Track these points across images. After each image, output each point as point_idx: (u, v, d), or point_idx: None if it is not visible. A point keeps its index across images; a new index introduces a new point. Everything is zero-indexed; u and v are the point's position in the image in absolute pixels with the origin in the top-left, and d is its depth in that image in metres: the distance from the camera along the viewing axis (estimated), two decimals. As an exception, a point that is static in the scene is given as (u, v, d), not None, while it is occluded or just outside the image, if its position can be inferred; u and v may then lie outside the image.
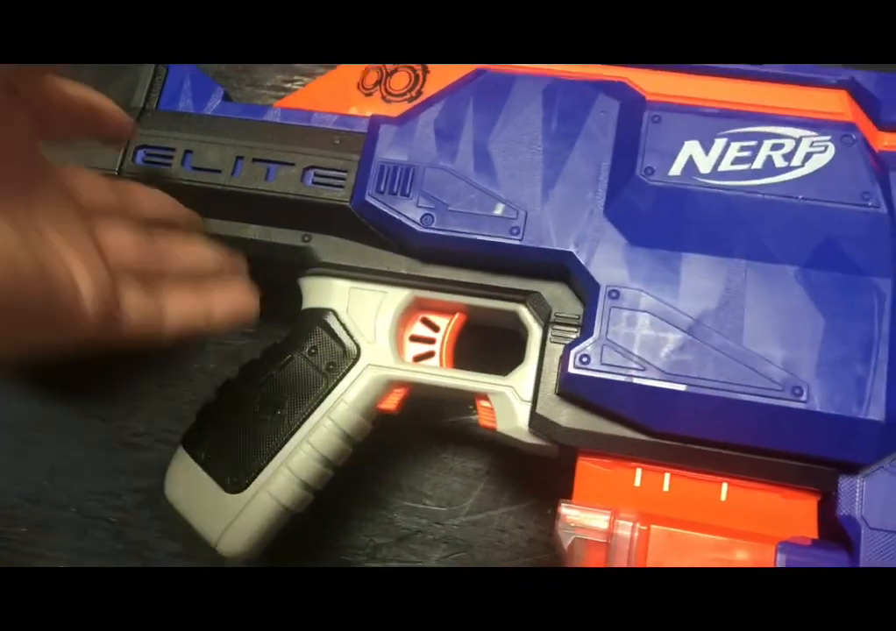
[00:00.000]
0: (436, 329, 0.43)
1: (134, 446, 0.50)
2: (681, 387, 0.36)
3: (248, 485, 0.40)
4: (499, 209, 0.39)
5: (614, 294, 0.37)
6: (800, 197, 0.38)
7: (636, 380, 0.36)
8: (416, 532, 0.48)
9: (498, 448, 0.47)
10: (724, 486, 0.37)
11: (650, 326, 0.36)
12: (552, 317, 0.39)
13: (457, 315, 0.43)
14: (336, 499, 0.48)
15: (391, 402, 0.42)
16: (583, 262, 0.38)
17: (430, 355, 0.43)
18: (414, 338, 0.43)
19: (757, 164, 0.39)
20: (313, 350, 0.41)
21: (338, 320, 0.41)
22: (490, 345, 0.43)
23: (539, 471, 0.44)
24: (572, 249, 0.38)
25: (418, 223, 0.39)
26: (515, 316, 0.41)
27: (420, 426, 0.49)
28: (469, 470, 0.49)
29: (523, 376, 0.40)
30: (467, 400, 0.42)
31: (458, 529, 0.48)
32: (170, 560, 0.49)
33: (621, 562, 0.35)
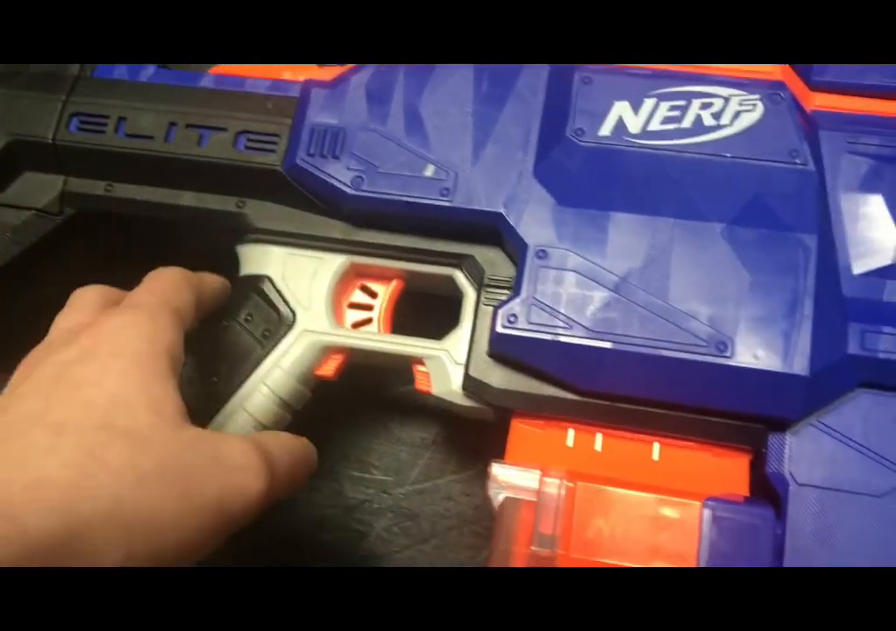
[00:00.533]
0: (374, 295, 0.43)
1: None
2: (606, 345, 0.36)
3: (182, 451, 0.39)
4: (429, 171, 0.39)
5: (541, 254, 0.37)
6: (729, 155, 0.38)
7: (562, 338, 0.36)
8: (363, 502, 0.48)
9: (445, 417, 0.47)
10: (656, 446, 0.37)
11: (577, 285, 0.36)
12: (486, 280, 0.39)
13: (394, 282, 0.43)
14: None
15: (328, 368, 0.41)
16: (512, 223, 0.38)
17: (368, 322, 0.43)
18: (352, 305, 0.43)
19: (686, 123, 0.39)
20: (248, 317, 0.41)
21: (274, 286, 0.41)
22: (430, 312, 0.43)
23: (486, 439, 0.44)
24: (501, 209, 0.38)
25: (348, 186, 0.39)
26: (451, 281, 0.41)
27: (367, 396, 0.49)
28: (416, 439, 0.49)
29: (458, 340, 0.40)
30: (405, 366, 0.41)
31: (404, 499, 0.48)
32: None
33: (547, 519, 0.35)
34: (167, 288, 0.34)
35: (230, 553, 0.46)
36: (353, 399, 0.48)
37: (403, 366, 0.42)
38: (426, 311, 0.43)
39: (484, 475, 0.47)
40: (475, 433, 0.44)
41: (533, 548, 0.34)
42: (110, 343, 0.29)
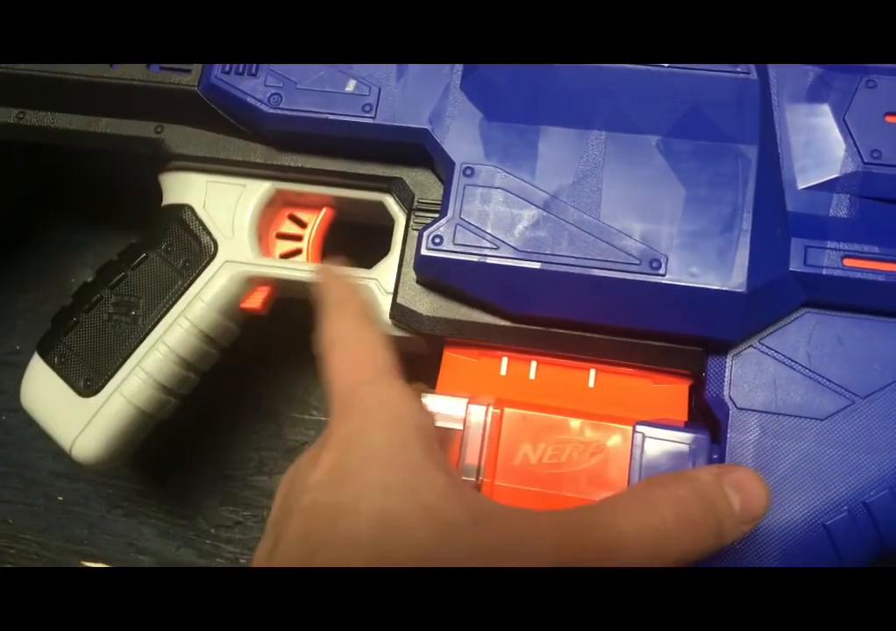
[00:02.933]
0: (303, 225, 0.41)
1: (12, 365, 0.49)
2: (535, 265, 0.34)
3: (101, 388, 0.38)
4: (350, 86, 0.37)
5: (468, 172, 0.35)
6: (666, 65, 0.36)
7: (489, 260, 0.34)
8: (303, 443, 0.46)
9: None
10: (592, 373, 0.36)
11: (505, 203, 0.34)
12: (415, 203, 0.38)
13: (324, 210, 0.41)
14: (220, 411, 0.46)
15: (255, 301, 0.40)
16: (437, 139, 0.36)
17: (297, 252, 0.41)
18: (281, 236, 0.41)
19: (624, 32, 0.36)
20: (169, 248, 0.39)
21: (195, 216, 0.39)
22: (366, 243, 0.41)
23: (426, 371, 0.42)
24: (426, 125, 0.36)
25: (266, 104, 0.37)
26: (381, 206, 0.39)
27: (303, 334, 0.47)
28: (356, 378, 0.47)
29: (388, 268, 0.38)
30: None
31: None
32: (53, 479, 0.47)
33: (474, 446, 0.33)
34: (369, 347, 0.28)
35: (164, 491, 0.44)
36: (291, 338, 0.46)
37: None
38: (363, 243, 0.41)
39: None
40: (418, 367, 0.42)
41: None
42: (354, 452, 0.24)
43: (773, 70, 0.37)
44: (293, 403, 0.47)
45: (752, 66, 0.35)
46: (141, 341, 0.38)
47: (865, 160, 0.35)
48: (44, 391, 0.39)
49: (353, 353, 0.29)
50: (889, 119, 0.36)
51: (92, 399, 0.38)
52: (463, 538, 0.22)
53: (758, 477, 0.27)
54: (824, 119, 0.36)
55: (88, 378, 0.38)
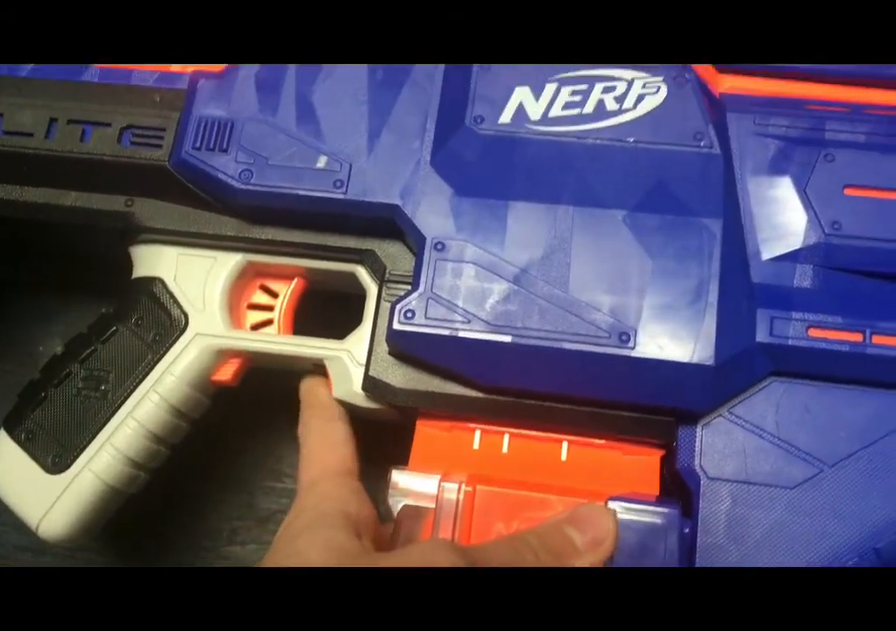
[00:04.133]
0: (275, 295, 0.42)
1: (-24, 436, 0.48)
2: (506, 339, 0.34)
3: (70, 465, 0.38)
4: (321, 162, 0.38)
5: (439, 246, 0.36)
6: (632, 140, 0.37)
7: (461, 333, 0.35)
8: (276, 512, 0.46)
9: (355, 420, 0.46)
10: (564, 445, 0.36)
11: (476, 277, 0.35)
12: (387, 275, 0.38)
13: (295, 280, 0.42)
14: (190, 481, 0.46)
15: (226, 373, 0.40)
16: (409, 214, 0.37)
17: (269, 323, 0.41)
18: (252, 306, 0.42)
19: (588, 108, 0.38)
20: (139, 321, 0.40)
21: (166, 289, 0.40)
22: (338, 312, 0.42)
23: (399, 440, 0.43)
24: (397, 201, 0.37)
25: (237, 179, 0.37)
26: (353, 277, 0.40)
27: (276, 402, 0.47)
28: (329, 445, 0.47)
29: (360, 339, 0.38)
30: (308, 368, 0.40)
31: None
32: (17, 553, 0.47)
33: (447, 525, 0.34)
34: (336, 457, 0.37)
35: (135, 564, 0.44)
36: (262, 405, 0.47)
37: (306, 369, 0.40)
38: (335, 311, 0.42)
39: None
40: (386, 434, 0.42)
41: (432, 555, 0.33)
42: (295, 524, 0.32)
43: (735, 143, 0.38)
44: (264, 472, 0.47)
45: (715, 140, 0.37)
46: (111, 416, 0.38)
47: (826, 232, 0.37)
48: (10, 468, 0.38)
49: (312, 453, 0.37)
50: (848, 192, 0.37)
51: (60, 476, 0.38)
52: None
53: (602, 508, 0.33)
54: (786, 191, 0.37)
55: (56, 454, 0.38)
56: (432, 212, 0.36)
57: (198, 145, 0.38)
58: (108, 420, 0.38)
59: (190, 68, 0.40)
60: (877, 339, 0.35)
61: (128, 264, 0.42)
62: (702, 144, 0.37)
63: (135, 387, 0.39)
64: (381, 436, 0.42)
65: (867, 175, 0.37)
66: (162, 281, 0.40)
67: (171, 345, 0.39)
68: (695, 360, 0.34)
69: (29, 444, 0.38)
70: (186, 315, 0.39)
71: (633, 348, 0.34)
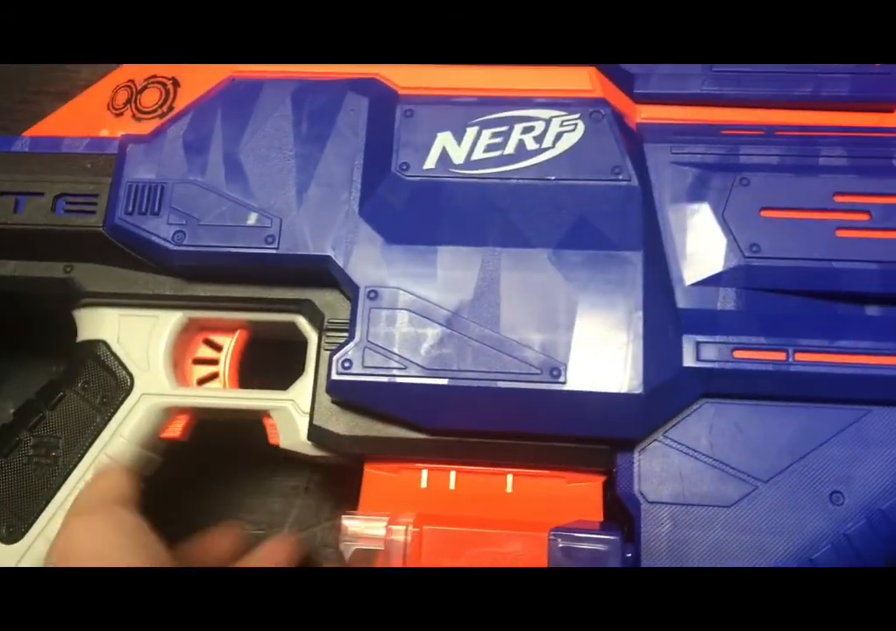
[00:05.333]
0: (218, 348, 0.43)
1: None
2: (443, 381, 0.36)
3: (24, 533, 0.39)
4: (252, 219, 0.39)
5: (372, 295, 0.38)
6: (553, 178, 0.39)
7: (398, 379, 0.37)
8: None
9: (313, 463, 0.48)
10: (509, 478, 0.38)
11: (410, 323, 0.37)
12: (326, 324, 0.40)
13: (238, 332, 0.43)
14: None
15: (174, 430, 0.42)
16: (341, 265, 0.38)
17: (215, 376, 0.43)
18: (197, 361, 0.43)
19: (509, 149, 0.40)
20: (85, 385, 0.41)
21: (110, 350, 0.41)
22: (283, 358, 0.43)
23: (357, 480, 0.44)
24: (329, 252, 0.39)
25: (170, 241, 0.39)
26: (293, 327, 0.42)
27: (226, 449, 0.49)
28: (286, 488, 0.49)
29: (304, 388, 0.40)
30: (256, 418, 0.42)
31: (281, 551, 0.48)
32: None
33: (396, 564, 0.35)
34: None
35: None
36: (217, 452, 0.48)
37: (253, 419, 0.42)
38: (281, 356, 0.44)
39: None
40: (346, 476, 0.44)
41: (384, 598, 0.35)
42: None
43: (654, 173, 0.40)
44: (222, 519, 0.48)
45: (633, 173, 0.39)
46: (63, 482, 0.40)
47: (746, 255, 0.39)
48: (-35, 540, 0.40)
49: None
50: (764, 214, 0.39)
51: (15, 545, 0.39)
52: None
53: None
54: (705, 218, 0.40)
55: (10, 524, 0.39)
56: (364, 261, 0.38)
57: (130, 209, 0.40)
58: (60, 485, 0.40)
59: (119, 133, 0.42)
60: (799, 357, 0.37)
61: (72, 322, 0.44)
62: (620, 177, 0.39)
63: (85, 451, 0.40)
64: (347, 475, 0.44)
65: (782, 197, 0.40)
66: (106, 343, 0.41)
67: (118, 407, 0.40)
68: (624, 390, 0.36)
69: (-17, 515, 0.40)
70: (131, 376, 0.41)
71: (564, 382, 0.36)
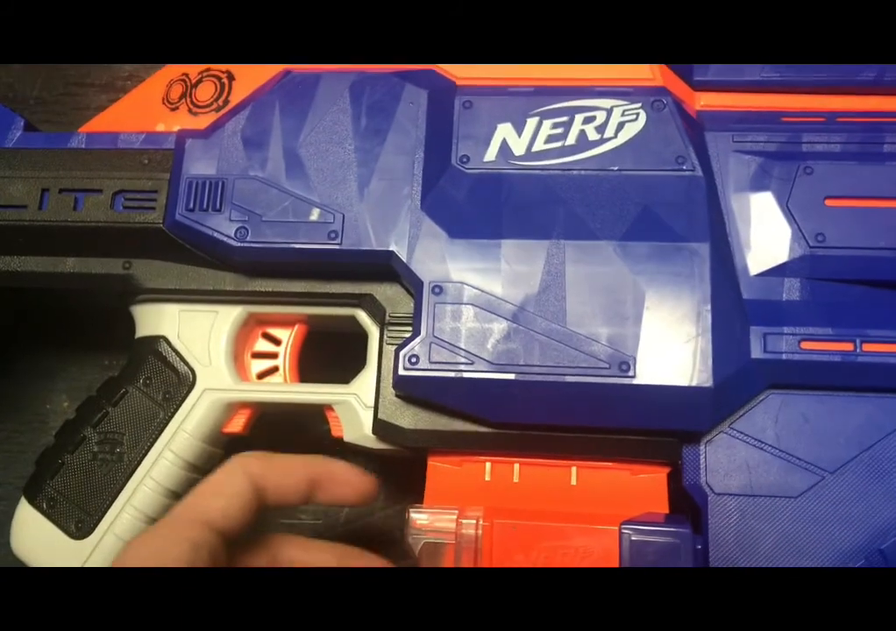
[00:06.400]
0: (277, 342, 0.44)
1: (-7, 498, 0.51)
2: (510, 376, 0.37)
3: (93, 529, 0.40)
4: (314, 215, 0.40)
5: (437, 290, 0.38)
6: (616, 169, 0.40)
7: (465, 375, 0.37)
8: (296, 552, 0.49)
9: (370, 454, 0.49)
10: (573, 470, 0.39)
11: (475, 318, 0.38)
12: (387, 318, 0.41)
13: (297, 326, 0.44)
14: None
15: (236, 425, 0.43)
16: (404, 260, 0.39)
17: (274, 370, 0.44)
18: (256, 355, 0.44)
19: (571, 140, 0.40)
20: (147, 381, 0.42)
21: (170, 346, 0.42)
22: (341, 351, 0.44)
23: (413, 471, 0.45)
24: (392, 247, 0.39)
25: (233, 238, 0.40)
26: (353, 321, 0.42)
27: (288, 440, 0.50)
28: (342, 479, 0.50)
29: (366, 382, 0.41)
30: (318, 411, 0.43)
31: (338, 540, 0.49)
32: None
33: (468, 559, 0.36)
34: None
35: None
36: (274, 445, 0.49)
37: (316, 412, 0.43)
38: (339, 349, 0.44)
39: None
40: (403, 466, 0.45)
41: (456, 591, 0.36)
42: None
43: (716, 162, 0.41)
44: (278, 511, 0.50)
45: (696, 162, 0.39)
46: (129, 477, 0.41)
47: (811, 244, 0.39)
48: (35, 537, 0.41)
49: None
50: (829, 203, 0.40)
51: (85, 541, 0.40)
52: None
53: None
54: (768, 207, 0.40)
55: (79, 520, 0.40)
56: (427, 256, 0.39)
57: (191, 206, 0.40)
58: (126, 481, 0.41)
59: (175, 128, 0.43)
60: (867, 347, 0.37)
61: (125, 318, 0.45)
62: (684, 167, 0.39)
63: (150, 447, 0.41)
64: (395, 470, 0.45)
65: (846, 185, 0.40)
66: (166, 339, 0.42)
67: (181, 403, 0.41)
68: (694, 383, 0.36)
69: (51, 512, 0.41)
70: (193, 372, 0.42)
71: (633, 377, 0.37)
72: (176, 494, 0.41)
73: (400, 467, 0.47)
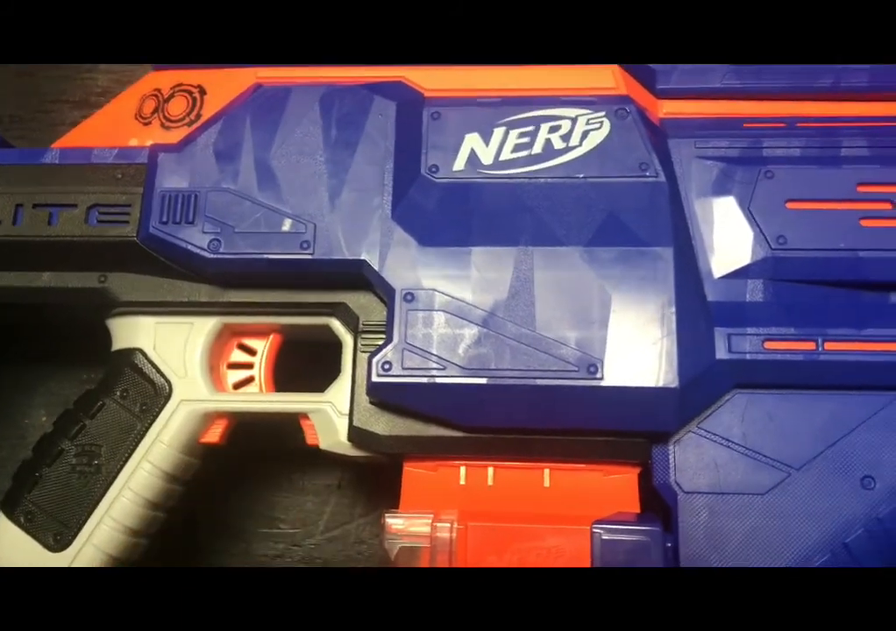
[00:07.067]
0: (252, 352, 0.45)
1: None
2: (482, 381, 0.38)
3: (71, 541, 0.41)
4: (287, 225, 0.41)
5: (409, 297, 0.39)
6: (581, 176, 0.41)
7: (438, 380, 0.38)
8: (274, 557, 0.50)
9: (346, 461, 0.49)
10: (546, 472, 0.40)
11: (447, 324, 0.39)
12: (360, 326, 0.42)
13: (271, 336, 0.45)
14: (187, 532, 0.49)
15: (213, 435, 0.43)
16: (376, 268, 0.40)
17: (250, 380, 0.45)
18: (232, 365, 0.45)
19: (537, 148, 0.42)
20: (124, 394, 0.43)
21: (146, 358, 0.43)
22: (316, 360, 0.45)
23: (390, 477, 0.46)
24: (364, 256, 0.40)
25: (206, 250, 0.41)
26: (328, 329, 0.43)
27: (265, 450, 0.51)
28: (319, 487, 0.51)
29: (341, 389, 0.42)
30: (293, 420, 0.43)
31: (315, 548, 0.50)
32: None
33: (442, 562, 0.37)
34: None
35: None
36: (251, 453, 0.50)
37: (291, 421, 0.43)
38: (314, 358, 0.45)
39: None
40: (379, 472, 0.46)
41: (432, 594, 0.37)
42: None
43: (679, 168, 0.42)
44: (257, 519, 0.50)
45: (660, 169, 0.41)
46: (107, 489, 0.41)
47: (773, 246, 0.41)
48: (13, 549, 0.41)
49: None
50: (790, 206, 0.41)
51: (63, 553, 0.41)
52: None
53: None
54: (731, 211, 0.41)
55: (57, 532, 0.41)
56: (398, 264, 0.40)
57: (165, 219, 0.41)
58: (104, 493, 0.41)
59: (148, 142, 0.44)
60: (829, 346, 0.39)
61: (102, 333, 0.45)
62: (647, 173, 0.41)
63: (128, 458, 0.42)
64: (371, 478, 0.46)
65: (806, 188, 0.41)
66: (142, 351, 0.43)
67: (158, 414, 0.42)
68: (660, 384, 0.37)
69: (29, 526, 0.41)
70: (169, 383, 0.43)
71: (601, 378, 0.38)
72: (153, 504, 0.42)
73: (376, 474, 0.48)
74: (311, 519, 0.51)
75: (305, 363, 0.45)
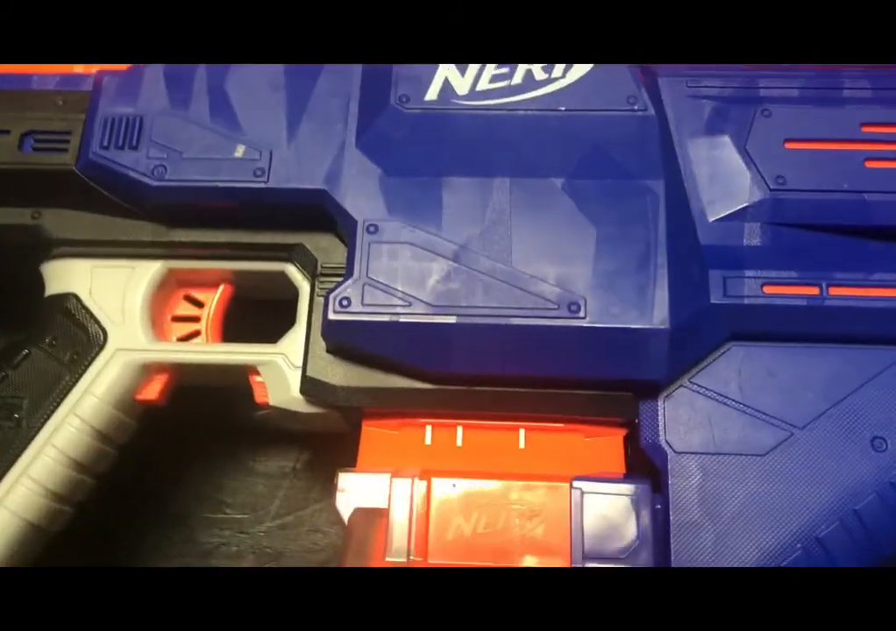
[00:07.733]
0: (200, 305, 0.41)
1: None
2: (451, 319, 0.34)
3: (-18, 501, 0.36)
4: (239, 151, 0.38)
5: (372, 229, 0.36)
6: (563, 109, 0.38)
7: (402, 318, 0.35)
8: (219, 545, 0.45)
9: (302, 442, 0.45)
10: (521, 433, 0.36)
11: (413, 258, 0.35)
12: (319, 269, 0.38)
13: (222, 287, 0.41)
14: (122, 517, 0.45)
15: (152, 391, 0.39)
16: (337, 198, 0.37)
17: (195, 334, 0.41)
18: (178, 318, 0.41)
19: (517, 79, 0.39)
20: (53, 342, 0.39)
21: (81, 304, 0.39)
22: (269, 317, 0.41)
23: (349, 460, 0.42)
24: (323, 186, 0.37)
25: (150, 177, 0.37)
26: (283, 276, 0.40)
27: (213, 427, 0.46)
28: (272, 469, 0.46)
29: (295, 340, 0.38)
30: (242, 380, 0.39)
31: (265, 537, 0.45)
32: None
33: (402, 524, 0.33)
34: None
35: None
36: (198, 431, 0.46)
37: (239, 381, 0.39)
38: (266, 319, 0.41)
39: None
40: (337, 455, 0.41)
41: (387, 559, 0.32)
42: None
43: (669, 107, 0.39)
44: (202, 502, 0.46)
45: (649, 103, 0.38)
46: (26, 446, 0.37)
47: (771, 187, 0.38)
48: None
49: None
50: (789, 145, 0.38)
51: (-28, 514, 0.36)
52: None
53: None
54: (726, 151, 0.38)
55: (-33, 492, 0.36)
56: (362, 194, 0.37)
57: (106, 144, 0.38)
58: (23, 449, 0.37)
59: (94, 69, 0.40)
60: (833, 291, 0.36)
61: (39, 285, 0.41)
62: (636, 107, 0.38)
63: (52, 412, 0.38)
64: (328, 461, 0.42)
65: (807, 128, 0.39)
66: (77, 297, 0.39)
67: (90, 364, 0.38)
68: (650, 325, 0.34)
69: (-62, 485, 0.37)
70: (104, 331, 0.39)
71: (584, 317, 0.34)
72: (80, 465, 0.38)
73: (335, 457, 0.44)
74: (261, 504, 0.46)
75: (258, 323, 0.41)
